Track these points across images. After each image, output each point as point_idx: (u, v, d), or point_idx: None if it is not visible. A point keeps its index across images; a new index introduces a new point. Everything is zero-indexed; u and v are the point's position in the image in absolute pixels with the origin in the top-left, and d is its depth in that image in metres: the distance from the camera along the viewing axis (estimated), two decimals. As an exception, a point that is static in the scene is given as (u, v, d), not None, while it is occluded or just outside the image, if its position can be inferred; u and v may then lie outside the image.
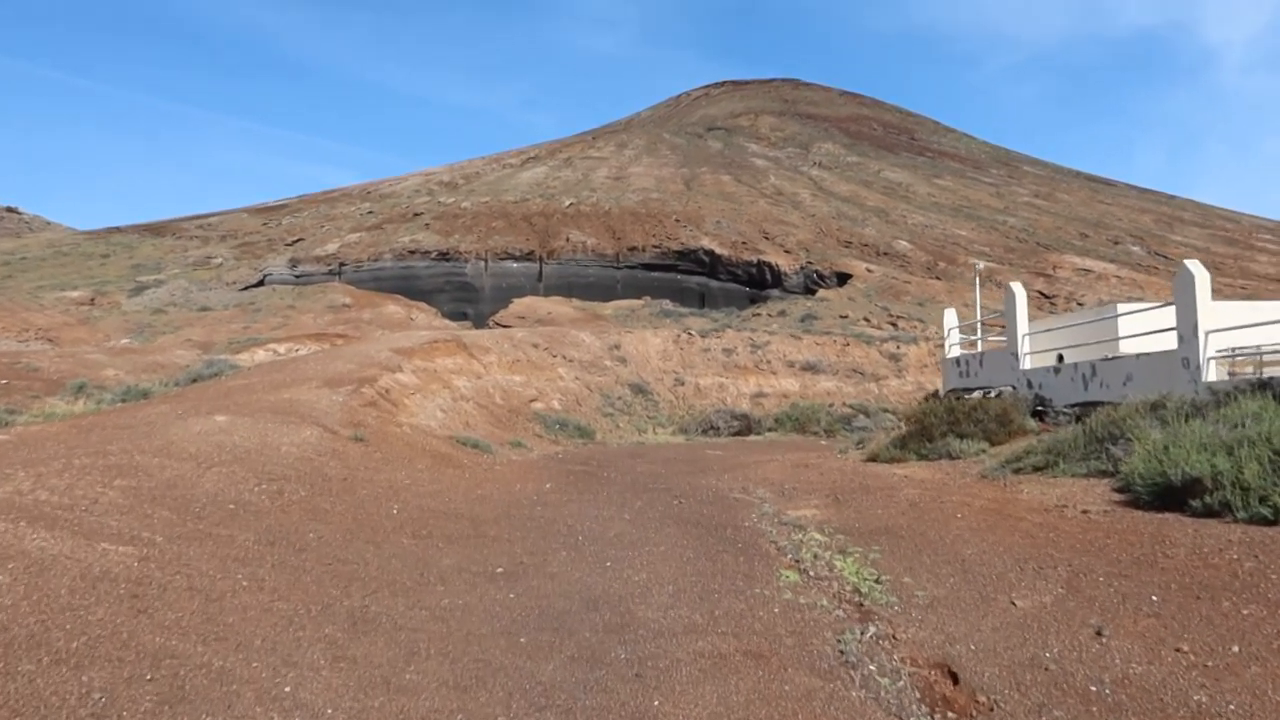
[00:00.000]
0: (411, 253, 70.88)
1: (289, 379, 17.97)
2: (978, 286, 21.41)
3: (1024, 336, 16.88)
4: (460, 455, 15.55)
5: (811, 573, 7.80)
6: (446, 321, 59.09)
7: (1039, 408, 16.00)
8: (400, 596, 6.64)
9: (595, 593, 7.06)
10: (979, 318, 21.83)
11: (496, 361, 26.57)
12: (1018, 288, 17.13)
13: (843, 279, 64.29)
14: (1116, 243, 74.61)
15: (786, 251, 70.27)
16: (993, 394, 17.47)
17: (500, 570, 7.65)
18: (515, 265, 71.31)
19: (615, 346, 30.89)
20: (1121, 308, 17.26)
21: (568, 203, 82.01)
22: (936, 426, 15.59)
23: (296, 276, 69.30)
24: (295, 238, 78.70)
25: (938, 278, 65.75)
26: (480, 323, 58.26)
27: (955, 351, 20.72)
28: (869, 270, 65.73)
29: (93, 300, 64.16)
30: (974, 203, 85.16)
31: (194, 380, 20.63)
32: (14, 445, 10.75)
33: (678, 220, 76.68)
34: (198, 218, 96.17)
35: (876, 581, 7.43)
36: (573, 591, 7.08)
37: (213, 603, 5.98)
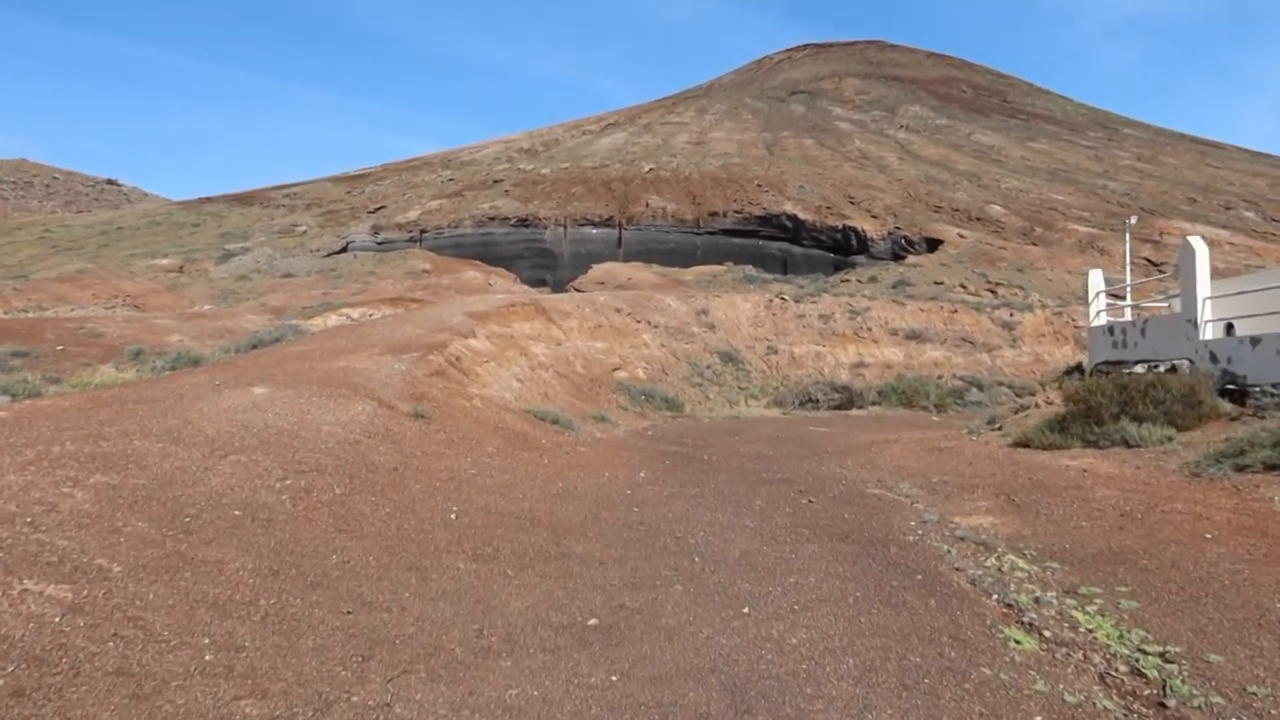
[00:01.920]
0: (491, 219, 69.05)
1: (351, 345, 15.82)
2: (1128, 244, 18.30)
3: (1205, 301, 13.86)
4: (538, 433, 13.19)
5: (1049, 634, 5.19)
6: (525, 287, 57.12)
7: (1229, 386, 13.00)
8: (443, 683, 4.23)
9: (740, 671, 4.55)
10: (1129, 280, 18.72)
11: (577, 327, 24.22)
12: (1198, 243, 14.09)
13: (933, 245, 60.59)
14: (1229, 208, 69.20)
15: (873, 216, 66.67)
16: (1162, 369, 14.49)
17: (594, 623, 5.19)
18: (594, 231, 69.00)
19: (703, 312, 28.30)
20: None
21: (647, 168, 79.29)
22: (1105, 406, 12.72)
23: (379, 243, 68.12)
24: (377, 205, 77.55)
25: (1034, 244, 61.58)
26: (559, 289, 56.13)
27: (1102, 319, 17.67)
28: (961, 236, 61.85)
29: (181, 268, 63.78)
30: (1071, 166, 79.96)
31: (254, 346, 18.67)
32: (1, 425, 8.66)
33: (759, 185, 73.45)
34: (284, 187, 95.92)
35: (1163, 657, 4.80)
36: (704, 668, 4.58)
37: (141, 703, 3.65)
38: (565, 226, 69.25)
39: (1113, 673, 4.67)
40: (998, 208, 69.26)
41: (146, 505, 6.11)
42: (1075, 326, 29.11)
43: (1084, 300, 39.60)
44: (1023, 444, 13.16)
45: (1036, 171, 78.64)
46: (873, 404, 24.52)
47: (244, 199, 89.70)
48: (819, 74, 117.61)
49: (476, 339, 18.37)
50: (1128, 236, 19.31)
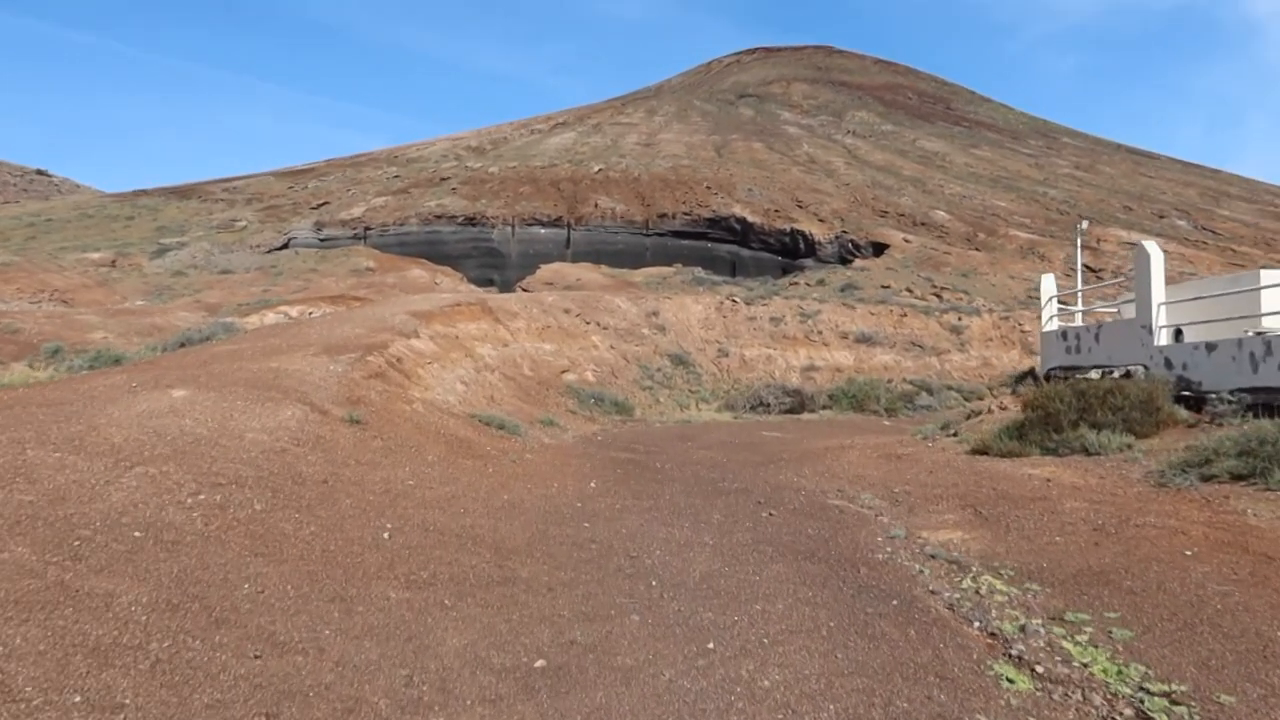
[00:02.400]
0: (438, 217, 67.92)
1: (285, 344, 14.99)
2: (1079, 249, 18.07)
3: (1160, 306, 13.64)
4: (482, 439, 12.50)
5: (1042, 670, 4.68)
6: (472, 287, 56.15)
7: (1184, 392, 12.77)
8: (361, 751, 3.59)
9: (708, 725, 3.98)
10: (1079, 285, 18.53)
11: (525, 328, 23.51)
12: (1153, 248, 13.88)
13: (879, 249, 60.89)
14: (1162, 216, 70.57)
15: (820, 220, 66.82)
16: (1116, 374, 14.25)
17: (541, 665, 4.56)
18: (543, 231, 68.20)
19: (653, 314, 27.75)
20: (1267, 276, 14.03)
21: (596, 169, 78.66)
22: (1064, 413, 12.40)
23: (321, 240, 66.64)
24: (320, 201, 75.89)
25: (977, 249, 62.17)
26: (507, 289, 55.26)
27: (1054, 324, 17.47)
28: (906, 240, 62.21)
29: (114, 262, 61.67)
30: (1013, 174, 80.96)
31: (182, 345, 17.70)
32: (-118, 428, 7.79)
33: (709, 187, 73.27)
34: (223, 181, 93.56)
35: (1169, 698, 4.33)
36: None
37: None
38: (513, 226, 68.40)
39: (1117, 718, 4.18)
40: (942, 213, 69.91)
41: (30, 526, 5.36)
42: (1022, 331, 29.12)
43: (1027, 305, 39.80)
44: (981, 451, 12.78)
45: (979, 178, 79.54)
46: (824, 408, 24.17)
47: (181, 192, 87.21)
48: (768, 78, 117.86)
49: (420, 339, 17.61)
50: (1078, 241, 19.18)
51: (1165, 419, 12.07)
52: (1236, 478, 9.00)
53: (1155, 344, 13.71)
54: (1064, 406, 12.43)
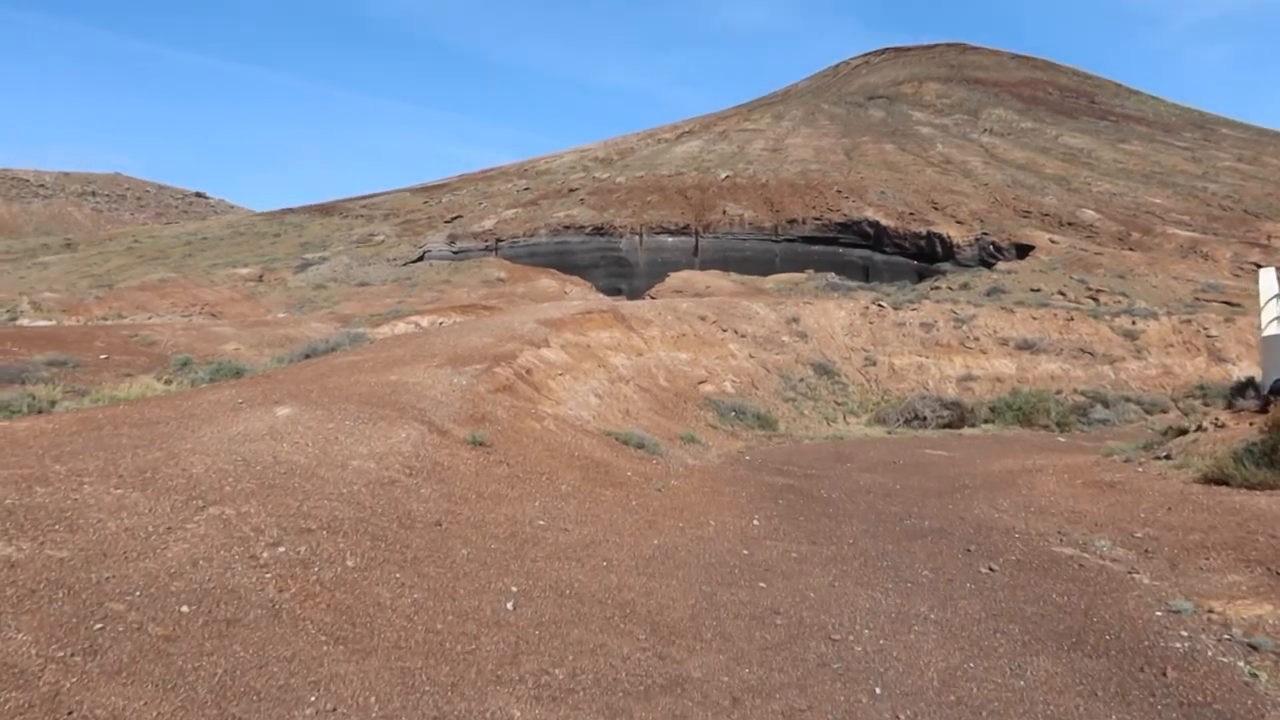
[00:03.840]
0: (566, 228, 67.41)
1: (408, 355, 13.76)
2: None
3: None
4: (621, 461, 10.88)
5: None
6: (601, 296, 55.17)
7: None
8: None
9: None
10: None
11: (659, 336, 21.91)
12: None
13: (1023, 251, 57.10)
14: (1335, 210, 64.09)
15: (959, 222, 63.27)
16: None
17: None
18: (670, 239, 66.85)
19: (793, 320, 25.75)
20: None
21: (723, 175, 76.86)
22: (1332, 436, 9.96)
23: (454, 252, 67.08)
24: (454, 215, 76.59)
25: (1131, 249, 57.61)
26: (635, 297, 54.02)
27: (1276, 328, 14.74)
28: (1053, 242, 58.13)
29: (260, 277, 63.43)
30: (1167, 168, 75.16)
31: (307, 356, 16.77)
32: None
33: (839, 191, 70.49)
34: (363, 198, 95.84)
35: None
36: None
37: None
38: (641, 235, 67.31)
39: None
40: (1090, 212, 65.34)
41: (48, 598, 3.95)
42: (1207, 336, 25.85)
43: (1194, 308, 35.92)
44: (1218, 481, 10.41)
45: (1130, 174, 74.19)
46: (985, 422, 21.71)
47: (324, 209, 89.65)
48: (898, 78, 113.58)
49: (550, 349, 16.20)
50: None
51: None
52: None
53: None
54: (1330, 427, 9.99)
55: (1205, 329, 26.03)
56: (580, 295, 50.56)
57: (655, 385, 18.68)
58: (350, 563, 5.12)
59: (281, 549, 5.06)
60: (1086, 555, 7.26)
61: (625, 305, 25.50)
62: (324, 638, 4.14)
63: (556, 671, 4.19)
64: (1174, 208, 66.45)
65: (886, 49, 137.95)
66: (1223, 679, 4.50)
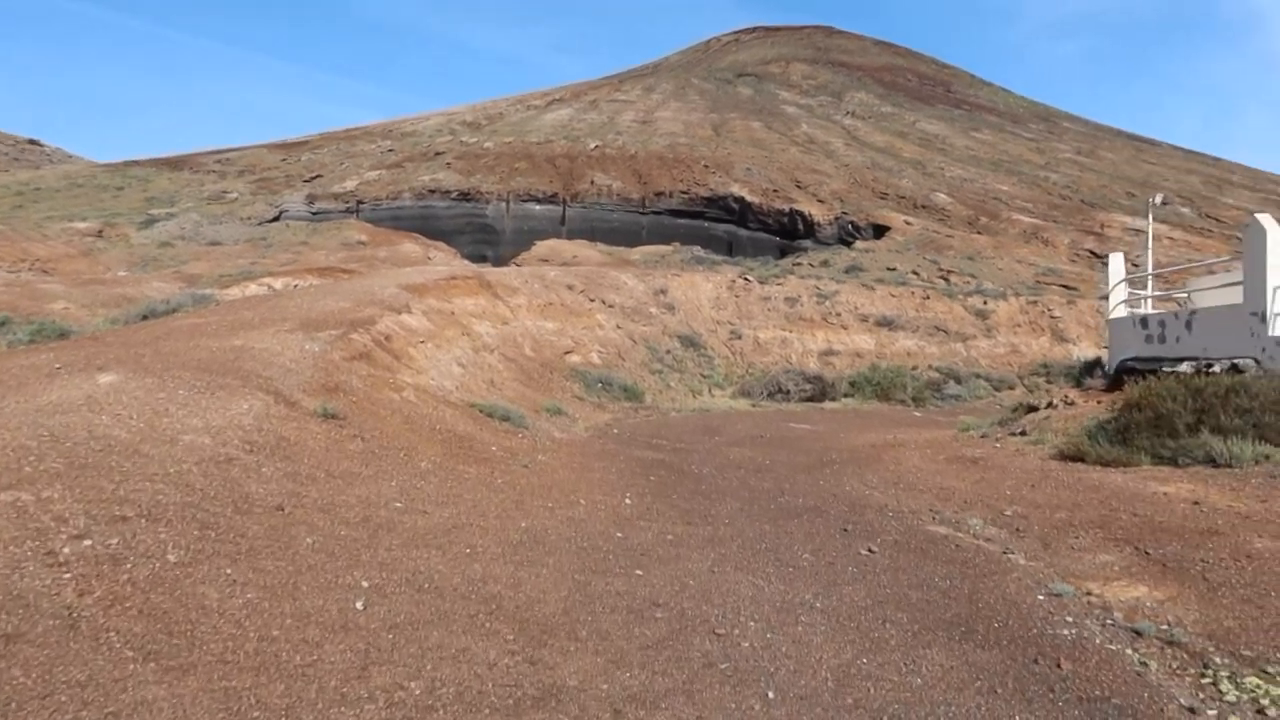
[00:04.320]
0: (431, 192, 65.37)
1: (258, 318, 12.71)
2: (1150, 227, 15.85)
3: (1276, 290, 11.54)
4: (485, 435, 10.27)
5: None
6: (466, 263, 53.79)
7: (1312, 391, 10.63)
8: None
9: None
10: (1150, 267, 16.29)
11: (526, 304, 21.24)
12: (1269, 222, 11.74)
13: (880, 231, 58.80)
14: (1165, 203, 68.47)
15: (820, 201, 64.60)
16: (1215, 369, 12.11)
17: None
18: (538, 208, 65.78)
19: (661, 291, 25.48)
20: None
21: (593, 145, 76.12)
22: (1179, 415, 10.25)
23: (313, 213, 64.07)
24: (314, 174, 73.18)
25: (980, 232, 60.09)
26: (501, 265, 52.83)
27: (1122, 311, 15.29)
28: (908, 223, 60.04)
29: (100, 232, 59.00)
30: (1014, 158, 78.66)
31: (144, 317, 15.38)
32: None
33: (706, 166, 70.85)
34: (216, 152, 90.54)
35: None
36: None
37: None
38: (508, 202, 66.01)
39: None
40: (943, 196, 67.82)
41: None
42: (1051, 316, 26.99)
43: (1037, 290, 37.62)
44: (1074, 457, 10.61)
45: (980, 161, 77.38)
46: (845, 396, 22.03)
47: (173, 163, 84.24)
48: (766, 57, 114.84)
49: (412, 315, 15.35)
50: (1150, 218, 16.99)
51: (1303, 424, 9.95)
52: None
53: (1271, 334, 11.55)
54: (1178, 406, 10.29)
55: (1049, 310, 27.16)
56: (445, 261, 49.06)
57: (521, 355, 18.06)
58: (172, 557, 4.40)
59: (88, 542, 4.30)
60: (961, 535, 7.15)
61: (491, 272, 24.69)
62: (131, 653, 3.45)
63: (412, 685, 3.63)
64: (1019, 195, 69.65)
65: (756, 27, 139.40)
66: (1115, 670, 4.32)
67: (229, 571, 4.37)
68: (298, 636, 3.85)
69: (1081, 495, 8.48)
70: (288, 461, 6.45)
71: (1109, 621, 5.06)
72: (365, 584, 4.63)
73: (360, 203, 65.43)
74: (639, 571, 5.56)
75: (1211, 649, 4.64)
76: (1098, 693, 4.04)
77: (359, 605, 4.31)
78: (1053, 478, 9.53)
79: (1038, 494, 8.71)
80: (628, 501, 7.81)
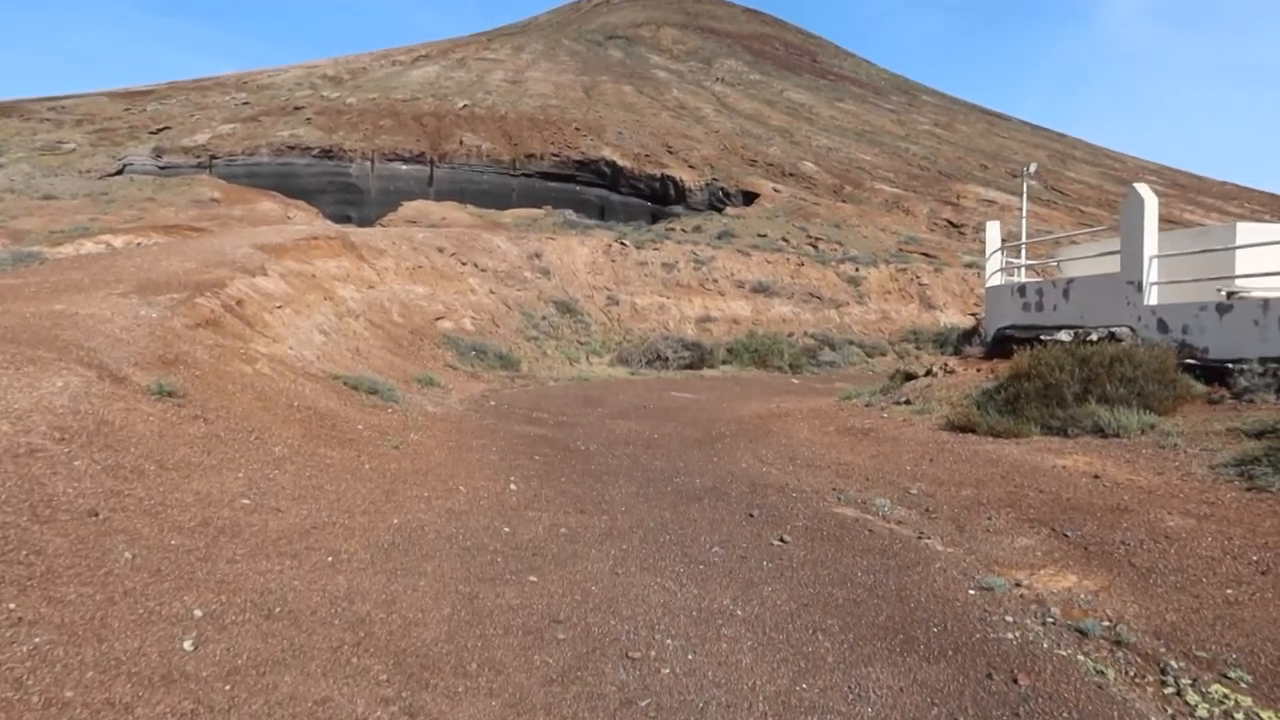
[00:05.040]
0: (291, 148, 61.90)
1: (88, 279, 11.22)
2: (1025, 194, 15.87)
3: (1152, 260, 11.58)
4: (351, 411, 9.24)
5: None
6: (328, 223, 51.21)
7: (1188, 360, 10.71)
8: None
9: None
10: (1024, 236, 16.38)
11: (393, 267, 19.95)
12: (1145, 191, 11.77)
13: (749, 198, 59.12)
14: (1014, 175, 71.26)
15: (691, 167, 64.44)
16: (1093, 337, 12.14)
17: None
18: (404, 167, 63.25)
19: (536, 255, 24.50)
20: (1244, 231, 12.19)
21: (461, 104, 73.67)
22: (1067, 384, 10.13)
23: (161, 168, 59.74)
24: (161, 126, 68.22)
25: (845, 201, 61.22)
26: (367, 226, 50.64)
27: (999, 279, 15.31)
28: (776, 190, 60.55)
29: (-87, 182, 53.53)
30: (876, 128, 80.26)
31: (-47, 277, 13.50)
32: None
33: (577, 129, 69.63)
34: (50, 99, 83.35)
35: None
36: None
37: None
38: (373, 161, 63.27)
39: None
40: (810, 164, 68.69)
41: None
42: (920, 284, 27.35)
43: (900, 258, 38.35)
44: (964, 428, 10.39)
45: (845, 131, 78.73)
46: (724, 363, 21.70)
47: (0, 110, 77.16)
48: (637, 20, 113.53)
49: (268, 278, 14.00)
50: (1025, 187, 17.11)
51: (1182, 393, 9.98)
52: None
53: (1146, 303, 11.61)
54: (1066, 376, 10.16)
55: (918, 278, 27.52)
56: (306, 221, 46.53)
57: (389, 321, 16.89)
58: (-66, 589, 3.37)
59: None
60: (871, 517, 6.66)
61: (356, 233, 23.20)
62: None
63: (254, 760, 2.78)
64: (881, 165, 71.21)
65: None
66: (1074, 682, 3.84)
67: (12, 606, 3.38)
68: (100, 698, 2.94)
69: (982, 470, 8.17)
70: (109, 452, 5.37)
71: (1049, 620, 4.61)
72: (198, 612, 3.71)
73: (213, 158, 61.51)
74: (533, 577, 4.79)
75: (1163, 650, 4.24)
76: (1065, 714, 3.53)
77: (188, 645, 3.40)
78: (949, 450, 9.23)
79: (938, 469, 8.36)
80: (513, 487, 7.01)
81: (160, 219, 40.96)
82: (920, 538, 6.13)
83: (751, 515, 6.55)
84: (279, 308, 12.80)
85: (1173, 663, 4.09)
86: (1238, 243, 11.86)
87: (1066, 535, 6.04)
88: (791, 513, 6.69)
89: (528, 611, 4.28)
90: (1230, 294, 11.26)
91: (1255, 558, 5.41)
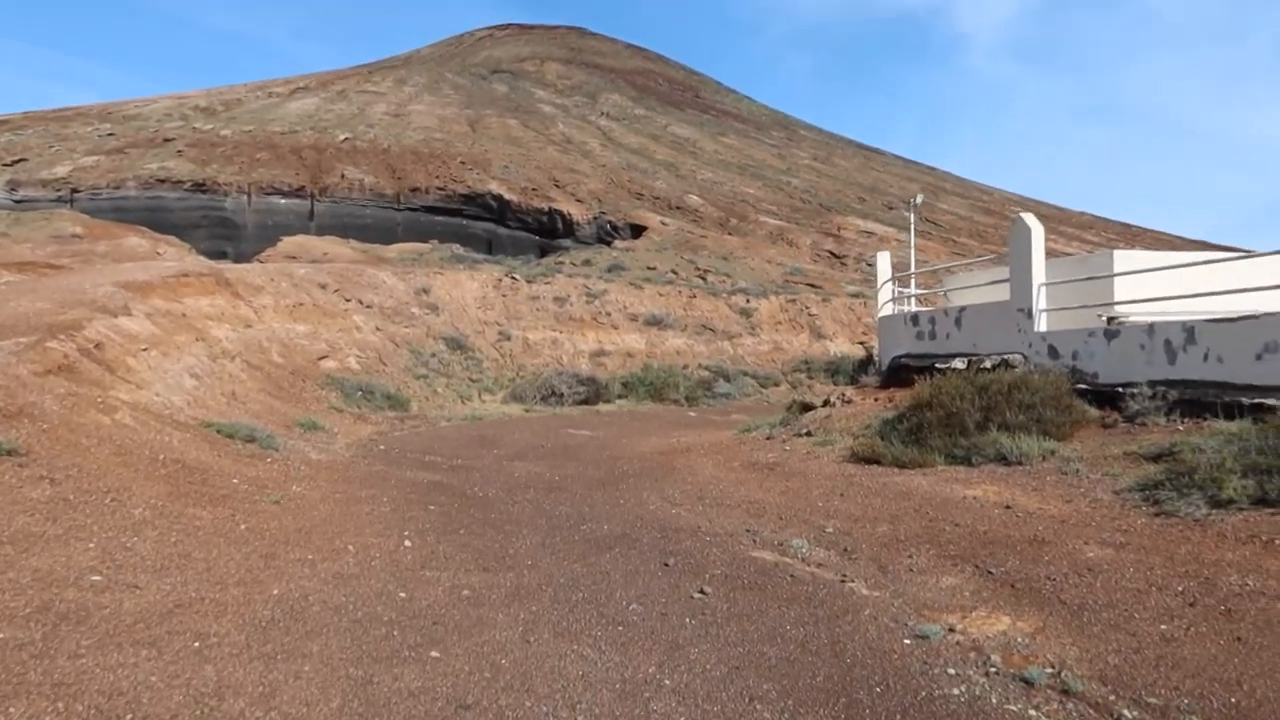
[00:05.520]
0: (161, 181, 59.14)
1: (-80, 324, 10.09)
2: (913, 226, 16.13)
3: (1041, 287, 11.78)
4: (225, 463, 8.46)
5: None
6: (202, 259, 48.95)
7: (1079, 385, 10.86)
8: None
9: None
10: (913, 266, 16.62)
11: (272, 305, 18.93)
12: (1032, 221, 11.99)
13: (637, 231, 59.41)
14: (891, 208, 73.81)
15: (578, 200, 64.40)
16: (987, 364, 12.26)
17: None
18: (283, 201, 61.17)
19: (424, 291, 23.73)
20: (1121, 259, 12.55)
21: (342, 137, 71.93)
22: (969, 413, 10.11)
23: (16, 201, 56.22)
24: (16, 158, 64.25)
25: (731, 234, 62.11)
26: (244, 262, 48.59)
27: (890, 309, 15.43)
28: (664, 223, 61.01)
29: None
30: (758, 162, 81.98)
31: None
32: None
33: (463, 162, 68.82)
34: (-111, 129, 77.91)
35: None
36: None
37: None
38: (249, 195, 61.02)
39: None
40: (695, 198, 69.52)
41: None
42: (809, 314, 27.66)
43: (785, 289, 38.92)
44: (870, 459, 10.26)
45: (728, 165, 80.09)
46: (619, 397, 21.35)
47: None
48: (521, 55, 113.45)
49: (133, 318, 12.97)
50: (913, 219, 17.37)
51: (1078, 418, 10.08)
52: (1260, 502, 6.87)
53: (1036, 330, 11.78)
54: (967, 405, 10.15)
55: (807, 308, 27.84)
56: (177, 257, 44.31)
57: (268, 362, 15.94)
58: None
59: None
60: (790, 560, 6.34)
61: (232, 269, 22.01)
62: None
63: None
64: (764, 198, 72.60)
65: (510, 25, 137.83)
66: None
67: None
68: None
69: (895, 504, 7.98)
70: (-71, 526, 4.60)
71: (991, 670, 4.34)
72: (24, 732, 3.06)
73: (75, 191, 58.28)
74: (435, 652, 4.26)
75: (1114, 698, 4.00)
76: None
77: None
78: (858, 484, 9.04)
79: (850, 504, 8.13)
80: (407, 543, 6.43)
81: (14, 256, 38.32)
82: (844, 581, 5.84)
83: (667, 564, 6.15)
84: (144, 350, 11.82)
85: (1126, 712, 3.86)
86: (1116, 270, 12.13)
87: (990, 572, 5.84)
88: (708, 559, 6.31)
89: (431, 697, 3.75)
90: (1111, 319, 11.51)
91: (1180, 588, 5.29)
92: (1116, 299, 11.93)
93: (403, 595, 5.14)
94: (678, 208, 66.64)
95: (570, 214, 62.50)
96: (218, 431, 9.77)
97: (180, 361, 12.62)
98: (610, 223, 61.98)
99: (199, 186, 59.54)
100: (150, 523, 5.79)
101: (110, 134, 70.47)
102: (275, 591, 4.95)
